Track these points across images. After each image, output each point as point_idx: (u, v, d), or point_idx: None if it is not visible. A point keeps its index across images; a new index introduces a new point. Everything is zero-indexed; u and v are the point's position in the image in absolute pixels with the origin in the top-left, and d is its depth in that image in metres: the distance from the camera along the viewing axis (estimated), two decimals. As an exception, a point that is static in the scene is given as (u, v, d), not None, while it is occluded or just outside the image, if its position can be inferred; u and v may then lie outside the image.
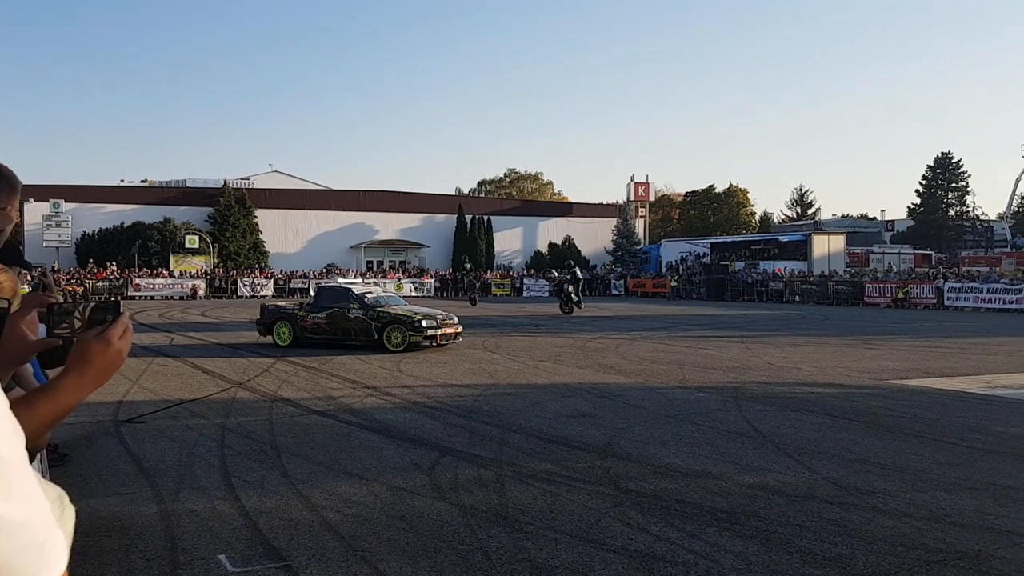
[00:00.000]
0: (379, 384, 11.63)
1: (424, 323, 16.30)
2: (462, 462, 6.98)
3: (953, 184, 68.87)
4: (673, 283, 49.30)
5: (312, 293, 18.29)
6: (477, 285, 43.70)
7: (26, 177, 2.03)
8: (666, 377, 12.56)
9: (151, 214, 50.62)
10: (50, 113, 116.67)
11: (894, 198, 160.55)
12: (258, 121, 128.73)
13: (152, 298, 41.84)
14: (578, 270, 31.72)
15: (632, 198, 64.92)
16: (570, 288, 29.30)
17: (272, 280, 46.78)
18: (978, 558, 4.71)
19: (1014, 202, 68.39)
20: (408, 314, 16.59)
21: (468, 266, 49.27)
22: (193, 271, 47.02)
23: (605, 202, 71.00)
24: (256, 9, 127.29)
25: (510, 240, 61.63)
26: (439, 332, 16.49)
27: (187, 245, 48.84)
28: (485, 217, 59.53)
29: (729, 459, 7.15)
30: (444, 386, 11.52)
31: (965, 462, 7.08)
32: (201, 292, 43.67)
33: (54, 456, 6.80)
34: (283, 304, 18.83)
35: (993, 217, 68.31)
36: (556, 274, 41.01)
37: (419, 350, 16.14)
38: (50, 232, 47.74)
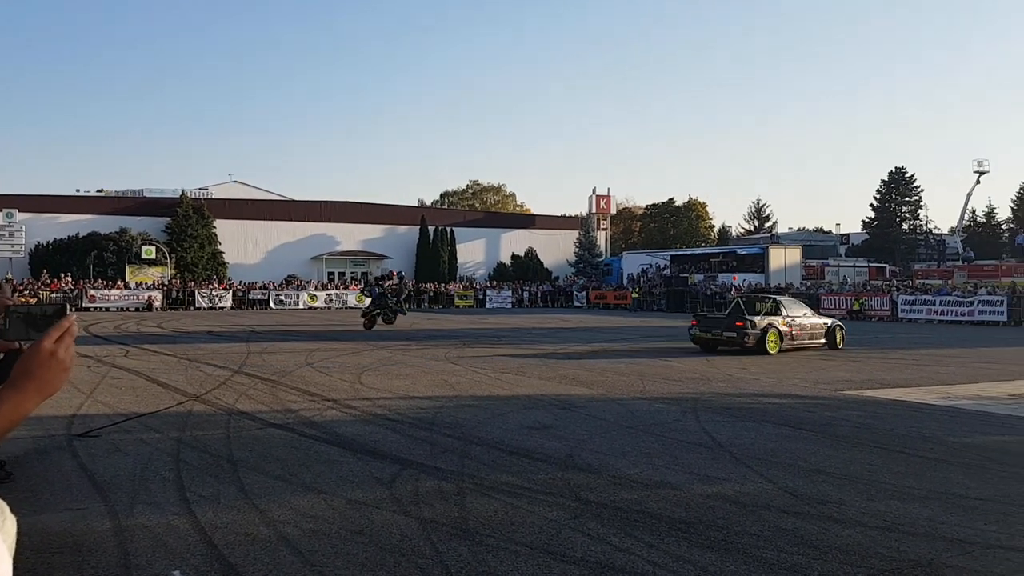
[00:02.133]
0: (340, 396, 11.53)
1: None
2: (423, 475, 6.94)
3: (907, 198, 70.54)
4: (634, 295, 49.70)
5: (740, 304, 20.09)
6: (396, 298, 29.48)
7: (-24, 187, 1.98)
8: (627, 388, 12.64)
9: (107, 224, 49.77)
10: (3, 121, 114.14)
11: (849, 212, 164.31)
12: (217, 130, 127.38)
13: (107, 309, 41.09)
14: (396, 277, 30.97)
15: (594, 211, 65.49)
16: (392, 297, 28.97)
17: (231, 291, 46.18)
18: (931, 566, 4.81)
19: (966, 216, 70.28)
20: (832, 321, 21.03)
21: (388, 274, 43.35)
22: (150, 282, 46.29)
23: (567, 214, 71.52)
24: (214, 18, 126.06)
25: (473, 251, 61.69)
26: None
27: (143, 256, 48.12)
28: (448, 228, 59.57)
29: (688, 469, 7.21)
30: (405, 398, 11.46)
31: (918, 472, 7.23)
32: (157, 304, 43.01)
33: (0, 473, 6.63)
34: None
35: (946, 231, 70.04)
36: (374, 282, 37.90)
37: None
38: (2, 242, 46.67)
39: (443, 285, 53.35)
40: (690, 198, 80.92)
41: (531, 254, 61.64)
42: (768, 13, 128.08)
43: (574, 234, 63.56)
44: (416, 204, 78.78)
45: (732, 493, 6.44)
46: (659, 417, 10.01)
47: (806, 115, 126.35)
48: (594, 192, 65.76)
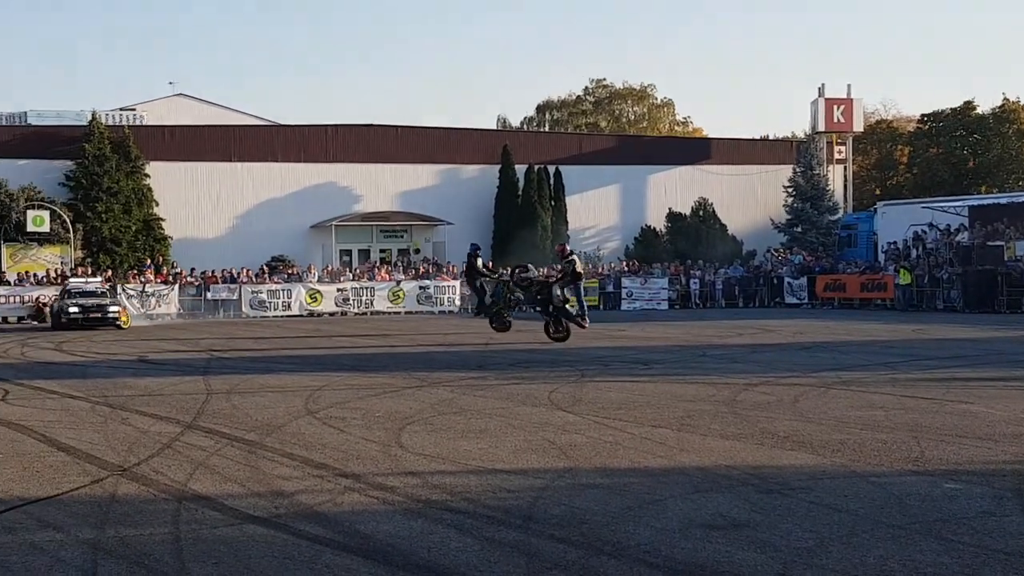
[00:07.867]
0: (364, 469, 11.67)
1: None
2: (515, 609, 6.98)
3: None
4: (901, 281, 48.70)
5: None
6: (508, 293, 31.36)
7: None
8: (888, 455, 12.42)
9: (-34, 174, 51.31)
10: None
11: None
12: (149, 12, 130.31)
13: (-30, 321, 42.61)
14: (576, 258, 30.38)
15: (821, 127, 64.30)
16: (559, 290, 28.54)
17: (177, 286, 46.98)
18: None
19: None
20: None
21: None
22: (42, 273, 47.38)
23: (772, 136, 70.55)
24: None
25: (596, 208, 61.51)
26: None
27: (31, 227, 48.97)
28: (551, 168, 59.26)
29: (1006, 603, 7.05)
30: (480, 472, 11.52)
31: None
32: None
33: None
34: None
35: None
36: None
37: None
38: None
39: (544, 269, 53.52)
40: (1005, 100, 78.60)
41: (705, 210, 60.95)
42: None
43: (785, 172, 62.60)
44: (494, 127, 79.19)
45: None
46: (952, 507, 9.81)
47: None
48: (821, 93, 64.54)
